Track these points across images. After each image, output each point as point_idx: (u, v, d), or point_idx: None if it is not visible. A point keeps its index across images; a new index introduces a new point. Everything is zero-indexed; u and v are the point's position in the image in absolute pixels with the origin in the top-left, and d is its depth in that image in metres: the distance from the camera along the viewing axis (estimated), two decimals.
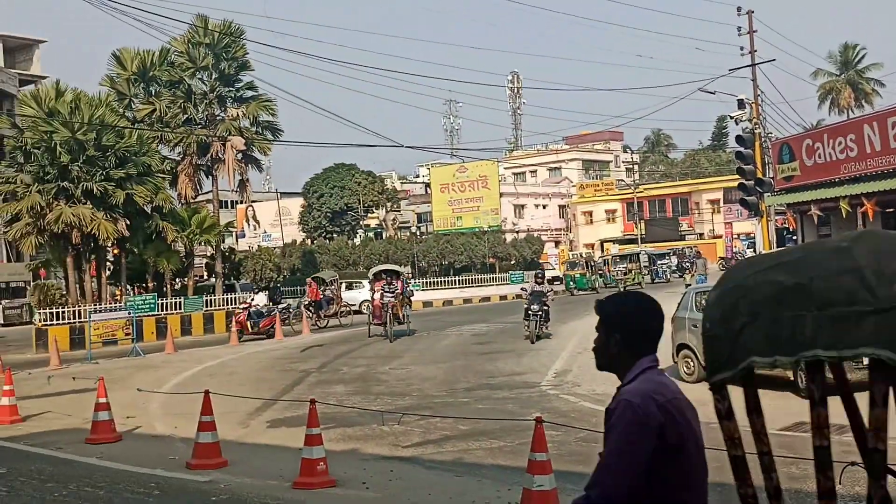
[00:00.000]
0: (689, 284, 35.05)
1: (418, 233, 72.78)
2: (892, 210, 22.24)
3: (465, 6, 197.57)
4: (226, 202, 61.90)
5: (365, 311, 33.15)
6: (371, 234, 67.83)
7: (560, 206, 78.24)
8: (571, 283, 46.84)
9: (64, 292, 36.06)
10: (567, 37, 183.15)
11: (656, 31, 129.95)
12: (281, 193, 75.58)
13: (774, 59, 33.15)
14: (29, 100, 35.27)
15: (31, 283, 45.49)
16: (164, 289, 37.91)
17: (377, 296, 25.96)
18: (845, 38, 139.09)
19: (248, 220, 65.03)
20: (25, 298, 42.62)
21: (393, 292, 25.55)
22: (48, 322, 30.42)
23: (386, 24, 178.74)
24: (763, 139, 28.55)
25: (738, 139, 25.76)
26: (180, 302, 34.56)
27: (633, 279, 46.50)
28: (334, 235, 63.43)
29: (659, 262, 53.47)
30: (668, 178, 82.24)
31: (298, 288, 46.58)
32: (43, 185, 33.05)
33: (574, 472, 9.13)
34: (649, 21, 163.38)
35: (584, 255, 58.45)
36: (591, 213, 76.67)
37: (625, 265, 48.56)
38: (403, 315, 26.09)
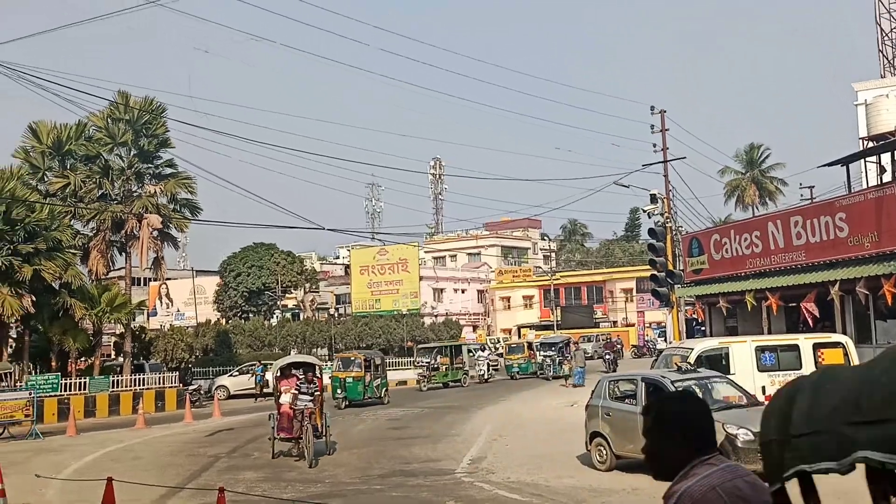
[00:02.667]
0: (568, 376, 35.83)
1: (336, 314, 72.22)
2: (794, 305, 23.16)
3: (390, 92, 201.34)
4: (138, 279, 60.45)
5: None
6: (289, 315, 66.96)
7: (479, 291, 78.90)
8: (515, 367, 43.09)
9: None
10: (489, 126, 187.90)
11: (575, 126, 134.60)
12: (196, 271, 74.25)
13: (685, 157, 34.92)
14: None
15: None
16: (69, 368, 36.53)
17: (286, 398, 18.55)
18: (751, 137, 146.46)
19: (160, 299, 63.63)
20: None
21: (311, 393, 18.52)
22: None
23: (311, 106, 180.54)
24: (674, 232, 29.60)
25: (651, 232, 26.66)
26: (85, 382, 33.31)
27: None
28: (250, 315, 62.42)
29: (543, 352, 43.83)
30: (583, 267, 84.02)
31: (210, 369, 45.49)
32: None
33: None
34: (568, 115, 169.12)
35: (523, 339, 56.23)
36: (508, 299, 77.49)
37: (551, 352, 42.38)
38: (323, 425, 18.71)
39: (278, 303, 65.88)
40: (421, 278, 70.92)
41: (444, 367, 39.79)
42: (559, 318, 67.77)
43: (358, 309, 69.37)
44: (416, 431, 22.61)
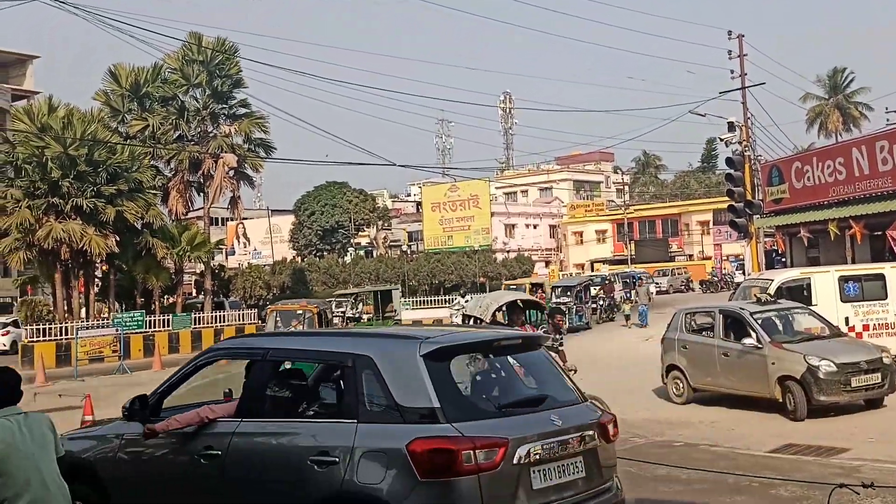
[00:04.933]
0: (629, 315, 32.51)
1: (409, 251, 72.76)
2: (879, 233, 22.36)
3: (459, 26, 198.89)
4: (216, 219, 61.79)
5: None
6: (361, 253, 67.73)
7: (550, 226, 78.41)
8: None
9: (51, 308, 35.90)
10: (559, 58, 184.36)
11: (648, 53, 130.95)
12: (272, 211, 75.47)
13: (764, 83, 33.42)
14: (21, 115, 35.31)
15: (18, 299, 45.27)
16: (153, 306, 37.76)
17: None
18: (834, 62, 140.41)
19: (238, 238, 65.08)
20: (12, 314, 42.37)
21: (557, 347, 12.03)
22: (34, 338, 30.22)
23: (380, 43, 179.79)
24: (753, 162, 28.72)
25: (728, 161, 25.91)
26: (168, 319, 34.41)
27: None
28: (324, 253, 63.34)
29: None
30: (658, 200, 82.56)
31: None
32: (33, 201, 32.98)
33: None
34: (641, 43, 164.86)
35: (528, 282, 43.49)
36: (581, 234, 76.85)
37: (567, 298, 33.36)
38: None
39: (351, 241, 66.65)
40: (492, 214, 70.77)
41: (367, 316, 34.17)
42: (633, 253, 67.01)
43: (430, 246, 69.72)
44: None
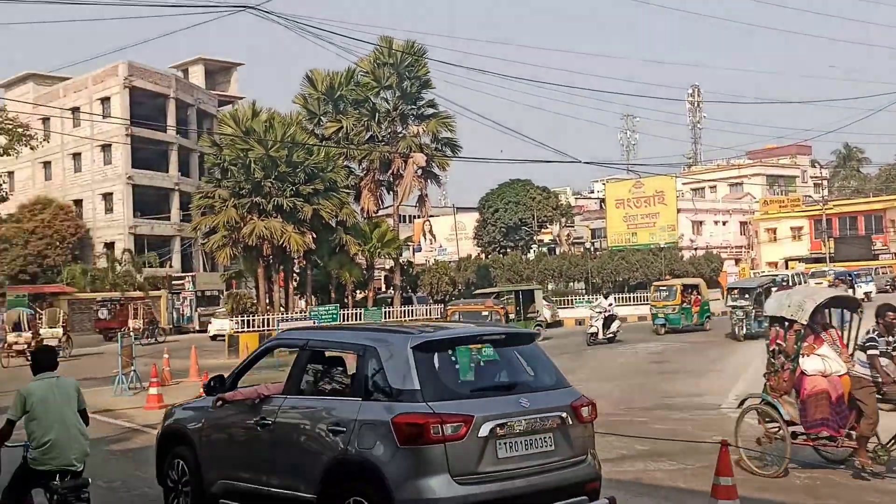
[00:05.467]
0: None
1: (592, 249, 71.94)
2: None
3: (644, 20, 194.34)
4: (404, 217, 63.71)
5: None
6: (544, 250, 67.64)
7: (741, 223, 75.11)
8: (660, 319, 33.09)
9: (254, 301, 38.30)
10: (751, 48, 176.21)
11: (851, 41, 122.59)
12: (457, 208, 76.85)
13: None
14: (228, 119, 37.88)
15: (225, 293, 48.65)
16: (346, 300, 39.44)
17: (816, 365, 9.90)
18: None
19: (424, 235, 66.74)
20: (219, 306, 45.55)
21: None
22: (240, 329, 32.28)
23: (563, 39, 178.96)
24: None
25: None
26: (360, 313, 35.80)
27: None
28: (508, 250, 63.76)
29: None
30: (860, 194, 77.25)
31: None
32: (238, 200, 35.33)
33: (759, 498, 8.78)
34: (842, 30, 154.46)
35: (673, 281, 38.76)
36: (774, 231, 73.11)
37: (745, 301, 29.53)
38: None
39: (534, 238, 66.71)
40: (678, 210, 68.64)
41: (510, 317, 33.47)
42: (831, 250, 63.04)
43: (614, 243, 68.58)
44: (676, 366, 22.19)
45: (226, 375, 8.04)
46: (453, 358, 6.79)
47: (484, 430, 6.08)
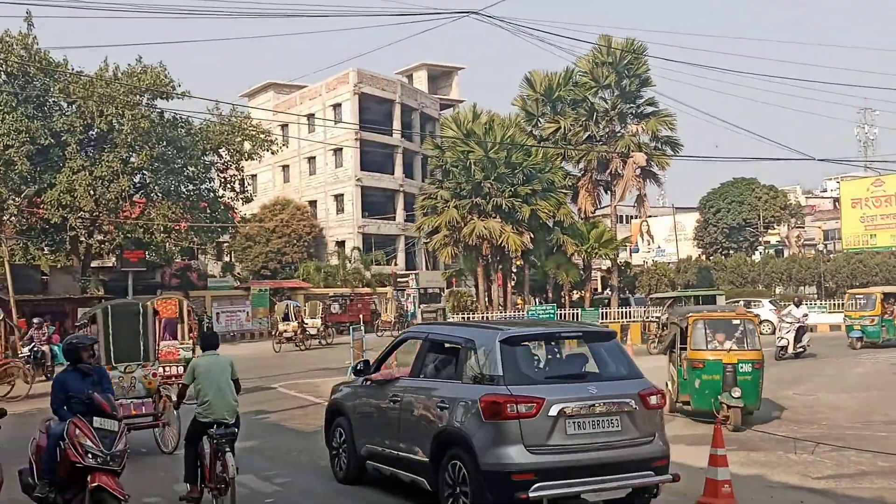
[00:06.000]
0: None
1: (825, 251, 67.46)
2: None
3: (881, 5, 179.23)
4: (622, 217, 62.76)
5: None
6: (771, 252, 64.27)
7: None
8: (857, 331, 28.76)
9: (474, 299, 39.27)
10: None
11: None
12: (676, 208, 74.70)
13: None
14: (449, 122, 39.10)
15: (445, 290, 50.16)
16: (563, 300, 39.49)
17: None
18: None
19: (642, 235, 65.45)
20: (440, 304, 47.03)
21: None
22: None
23: (792, 30, 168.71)
24: None
25: None
26: (577, 314, 35.73)
27: None
28: (731, 252, 61.21)
29: None
30: None
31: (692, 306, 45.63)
32: (459, 201, 36.38)
33: None
34: None
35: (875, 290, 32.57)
36: None
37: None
38: None
39: (760, 239, 63.58)
40: None
41: None
42: None
43: (849, 245, 63.93)
44: None
45: (371, 360, 9.98)
46: (534, 351, 8.48)
47: (553, 411, 7.42)
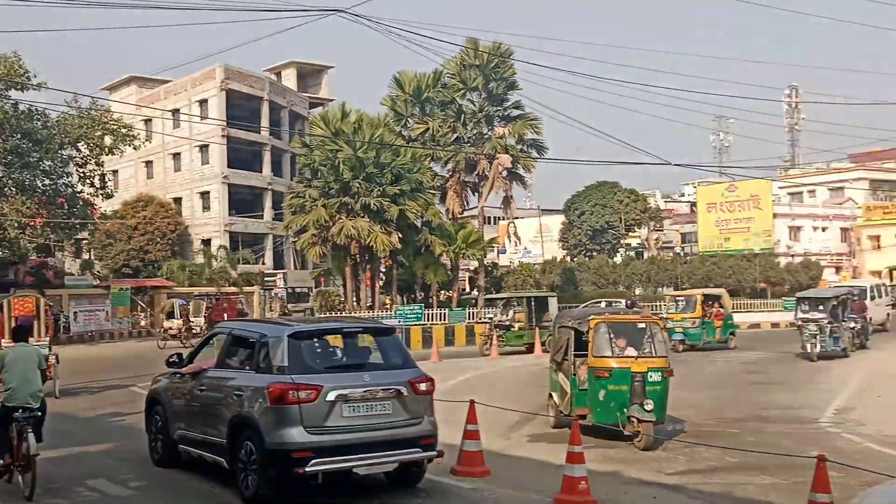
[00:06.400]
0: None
1: (682, 253, 70.42)
2: None
3: (738, 19, 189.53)
4: (489, 218, 63.56)
5: None
6: (632, 254, 66.55)
7: (842, 229, 72.31)
8: (678, 334, 28.82)
9: (342, 299, 38.81)
10: (854, 47, 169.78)
11: None
12: (542, 210, 76.33)
13: None
14: (318, 121, 38.53)
15: (314, 290, 49.41)
16: (430, 300, 39.55)
17: None
18: None
19: (509, 237, 66.37)
20: (308, 303, 46.26)
21: None
22: None
23: (652, 39, 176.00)
24: None
25: None
26: (445, 313, 35.83)
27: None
28: (594, 253, 62.99)
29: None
30: None
31: (558, 306, 46.61)
32: (327, 200, 35.86)
33: None
34: None
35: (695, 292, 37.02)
36: (878, 238, 70.10)
37: (819, 313, 25.46)
38: None
39: (622, 241, 65.69)
40: (775, 215, 66.59)
41: (518, 325, 30.42)
42: None
43: (705, 248, 67.03)
44: (772, 376, 21.41)
45: (184, 355, 10.85)
46: (317, 344, 9.50)
47: (331, 396, 8.42)
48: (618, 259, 61.90)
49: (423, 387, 9.05)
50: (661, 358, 12.35)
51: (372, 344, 9.70)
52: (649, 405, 11.75)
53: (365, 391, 8.62)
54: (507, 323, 30.47)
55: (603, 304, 36.85)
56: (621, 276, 54.89)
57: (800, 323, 25.67)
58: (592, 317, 12.71)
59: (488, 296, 38.25)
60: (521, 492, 9.48)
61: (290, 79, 69.82)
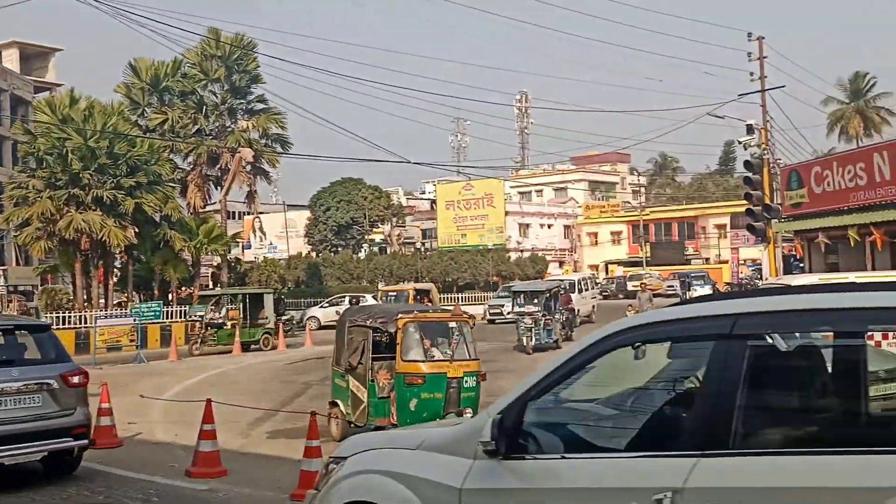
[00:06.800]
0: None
1: (423, 249, 72.86)
2: None
3: (476, 25, 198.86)
4: (234, 213, 62.07)
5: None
6: (376, 249, 67.86)
7: (565, 227, 78.27)
8: None
9: (71, 297, 36.23)
10: (576, 57, 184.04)
11: (666, 54, 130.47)
12: (288, 206, 75.75)
13: (784, 86, 33.37)
14: (43, 106, 35.64)
15: (39, 287, 45.67)
16: (170, 297, 38.00)
17: None
18: (857, 66, 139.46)
19: (254, 232, 65.21)
20: (33, 302, 42.75)
21: None
22: (55, 326, 30.43)
23: (397, 40, 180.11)
24: (772, 165, 28.61)
25: (747, 164, 25.83)
26: (185, 311, 34.60)
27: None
28: (339, 249, 63.53)
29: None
30: (674, 202, 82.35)
31: (302, 300, 46.62)
32: (54, 192, 33.29)
33: None
34: (660, 44, 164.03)
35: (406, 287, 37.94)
36: (596, 235, 76.71)
37: (533, 307, 26.55)
38: None
39: (366, 237, 66.77)
40: (506, 213, 70.71)
41: (231, 322, 29.70)
42: (648, 255, 66.86)
43: (444, 244, 69.76)
44: (503, 364, 22.74)
45: None
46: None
47: None
48: (362, 254, 62.86)
49: (75, 380, 9.50)
50: (475, 361, 11.55)
51: (28, 340, 9.97)
52: (469, 413, 10.37)
53: (15, 385, 8.95)
54: (220, 321, 29.73)
55: (347, 300, 37.43)
56: (365, 271, 55.80)
57: (515, 316, 26.40)
58: (401, 315, 11.26)
59: (202, 292, 36.86)
60: (258, 490, 9.46)
61: (11, 60, 63.89)
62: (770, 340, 3.67)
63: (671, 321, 3.94)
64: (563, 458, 3.81)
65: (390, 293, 31.65)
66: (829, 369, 3.55)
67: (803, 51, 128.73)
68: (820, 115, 70.81)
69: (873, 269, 22.26)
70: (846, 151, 33.38)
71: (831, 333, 3.61)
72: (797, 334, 3.75)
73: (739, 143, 27.90)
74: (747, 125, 27.53)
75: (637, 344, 3.91)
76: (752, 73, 32.51)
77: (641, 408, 4.11)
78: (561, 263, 72.95)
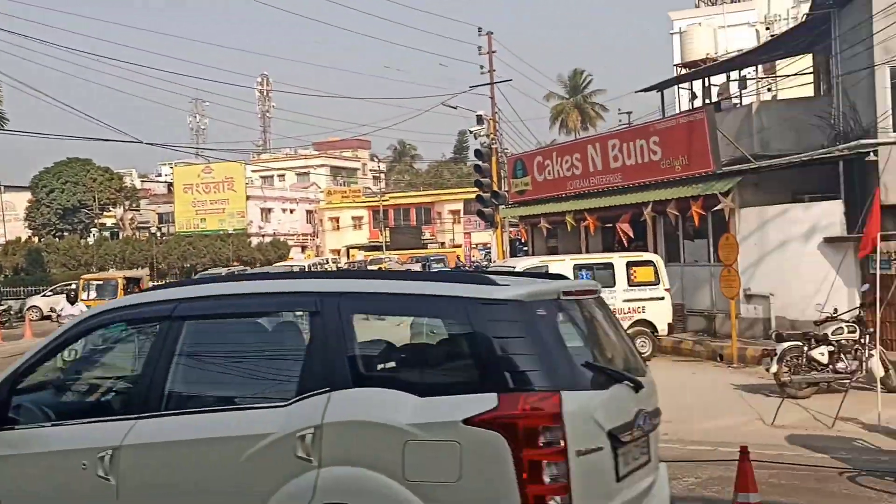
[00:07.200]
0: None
1: (159, 234, 69.72)
2: (610, 225, 24.42)
3: (215, 4, 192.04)
4: None
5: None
6: (107, 234, 64.00)
7: (308, 212, 78.24)
8: None
9: None
10: (318, 42, 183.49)
11: (404, 45, 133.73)
12: (4, 187, 69.31)
13: (511, 80, 35.60)
14: None
15: None
16: None
17: None
18: (576, 63, 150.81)
19: None
20: None
21: None
22: None
23: (131, 16, 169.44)
24: (500, 154, 30.42)
25: (477, 153, 27.32)
26: None
27: None
28: (65, 234, 59.28)
29: None
30: (412, 188, 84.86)
31: (21, 289, 43.07)
32: None
33: None
34: (398, 33, 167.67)
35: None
36: (338, 220, 77.36)
37: None
38: None
39: (95, 221, 62.83)
40: (248, 197, 69.54)
41: None
42: (388, 239, 68.52)
43: (182, 228, 67.32)
44: None
45: None
46: None
47: None
48: (91, 239, 59.08)
49: None
50: None
51: None
52: None
53: None
54: None
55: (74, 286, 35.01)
56: (94, 257, 52.55)
57: None
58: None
59: None
60: None
61: None
62: (205, 322, 4.56)
63: (127, 306, 4.86)
64: (41, 427, 4.54)
65: (96, 281, 28.54)
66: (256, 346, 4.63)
67: (529, 48, 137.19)
68: (544, 109, 75.99)
69: (587, 250, 24.47)
70: (565, 143, 36.19)
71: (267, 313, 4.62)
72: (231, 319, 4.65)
73: (471, 132, 29.43)
74: (477, 116, 29.10)
75: (112, 326, 4.81)
76: (482, 67, 34.44)
77: (104, 382, 4.98)
78: (303, 248, 72.90)
